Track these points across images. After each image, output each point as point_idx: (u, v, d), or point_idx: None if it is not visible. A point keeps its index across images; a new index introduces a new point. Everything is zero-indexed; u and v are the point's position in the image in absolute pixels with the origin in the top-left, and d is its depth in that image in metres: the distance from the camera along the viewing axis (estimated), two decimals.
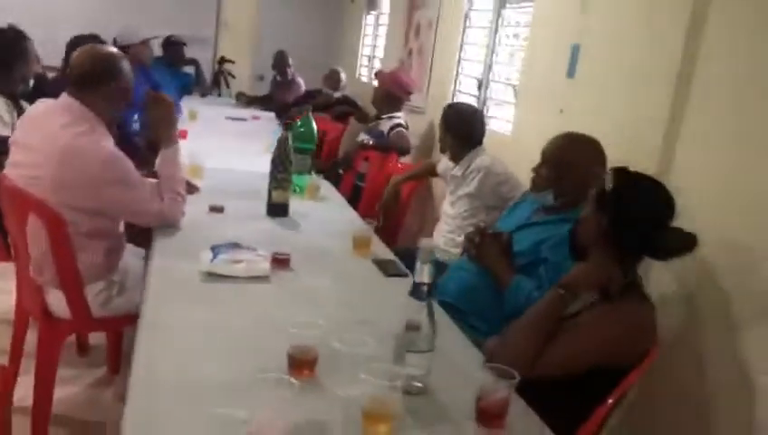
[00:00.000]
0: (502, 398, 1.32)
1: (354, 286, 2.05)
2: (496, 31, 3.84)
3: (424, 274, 1.38)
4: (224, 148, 3.94)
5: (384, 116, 4.31)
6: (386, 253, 2.38)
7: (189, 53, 6.60)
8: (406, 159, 4.22)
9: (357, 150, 4.08)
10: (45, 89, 3.14)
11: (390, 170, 3.69)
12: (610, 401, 1.63)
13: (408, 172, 3.45)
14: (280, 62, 6.39)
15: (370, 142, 4.08)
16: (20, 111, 2.99)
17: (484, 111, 3.93)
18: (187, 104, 5.55)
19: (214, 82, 7.10)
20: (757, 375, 1.85)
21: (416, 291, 1.39)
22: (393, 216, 3.43)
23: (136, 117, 4.89)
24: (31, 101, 2.59)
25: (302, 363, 1.39)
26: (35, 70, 3.28)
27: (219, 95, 7.01)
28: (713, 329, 2.03)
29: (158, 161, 2.33)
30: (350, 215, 2.91)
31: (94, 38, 3.47)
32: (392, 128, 4.18)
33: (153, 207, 2.21)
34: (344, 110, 5.51)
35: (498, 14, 3.83)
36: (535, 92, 3.30)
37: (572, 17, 2.94)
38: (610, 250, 1.69)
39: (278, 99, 6.35)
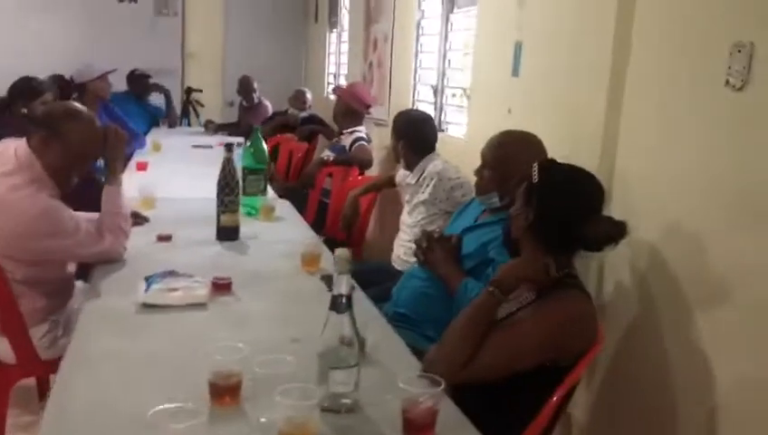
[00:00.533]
0: (428, 407, 1.28)
1: (294, 305, 2.00)
2: (446, 37, 3.83)
3: (342, 285, 1.34)
4: (188, 176, 3.89)
5: (345, 131, 4.29)
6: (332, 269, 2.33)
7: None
8: (372, 173, 4.20)
9: (319, 167, 4.05)
10: None
11: (352, 185, 3.66)
12: (555, 398, 1.59)
13: (365, 184, 3.41)
14: (245, 86, 6.38)
15: (331, 158, 4.05)
16: None
17: (442, 117, 3.92)
18: (155, 136, 5.52)
19: (183, 113, 7.08)
20: (709, 358, 1.81)
21: (334, 304, 1.34)
22: (355, 230, 3.39)
23: None
24: None
25: (222, 390, 1.34)
26: None
27: (189, 125, 6.99)
28: (667, 315, 2.00)
29: (102, 198, 2.29)
30: (306, 233, 2.86)
31: (30, 80, 3.42)
32: (354, 142, 4.16)
33: (92, 249, 2.16)
34: (312, 129, 5.49)
35: (447, 20, 3.82)
36: (485, 94, 3.28)
37: (512, 14, 2.92)
38: (539, 244, 1.66)
39: (246, 123, 6.32)
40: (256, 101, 6.37)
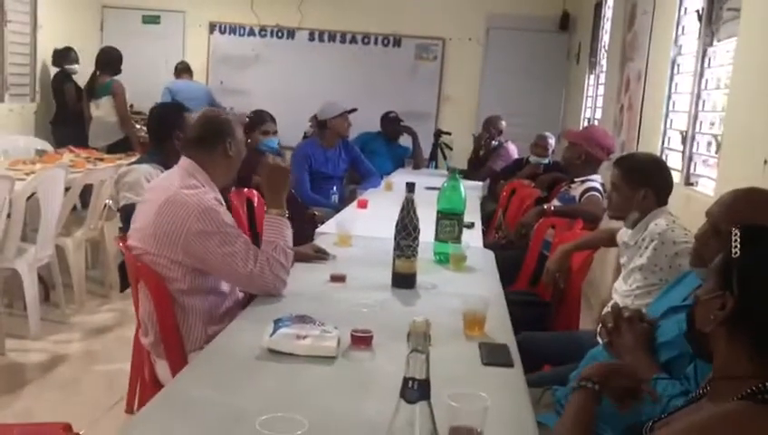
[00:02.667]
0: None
1: (436, 375, 1.69)
2: (701, 74, 3.23)
3: (416, 366, 1.04)
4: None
5: (578, 179, 3.85)
6: (505, 336, 1.98)
7: (411, 127, 6.73)
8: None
9: (538, 217, 3.66)
10: None
11: (572, 238, 3.21)
12: None
13: (580, 239, 2.94)
14: (487, 126, 6.17)
15: (552, 208, 3.64)
16: None
17: (691, 169, 3.30)
18: (396, 177, 5.55)
19: (431, 155, 7.12)
20: None
21: (404, 390, 1.04)
22: (561, 292, 2.95)
23: (335, 189, 5.03)
24: None
25: None
26: None
27: (436, 167, 6.99)
28: None
29: (264, 225, 2.25)
30: (494, 290, 2.52)
31: (180, 107, 3.57)
32: (585, 192, 3.71)
33: (245, 267, 2.10)
34: (555, 177, 5.08)
35: (703, 54, 3.22)
36: (738, 142, 2.66)
37: None
38: (740, 343, 1.17)
39: (485, 165, 6.11)
40: (497, 143, 6.11)
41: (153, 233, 2.09)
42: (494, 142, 6.11)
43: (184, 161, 2.25)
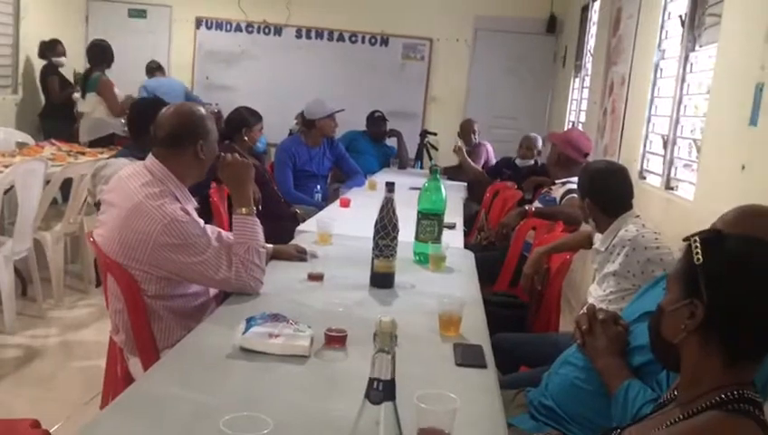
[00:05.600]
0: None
1: (408, 376, 1.68)
2: (683, 79, 3.25)
3: (381, 366, 1.03)
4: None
5: (558, 181, 3.87)
6: (480, 337, 1.97)
7: (397, 127, 6.73)
8: None
9: (519, 219, 3.66)
10: None
11: (550, 241, 3.21)
12: None
13: (556, 242, 2.95)
14: (464, 129, 6.22)
15: (533, 210, 3.65)
16: None
17: (672, 174, 3.32)
18: (381, 176, 5.54)
19: (417, 155, 7.12)
20: None
21: (369, 390, 1.03)
22: (540, 293, 2.95)
23: (318, 187, 5.01)
24: None
25: None
26: None
27: (421, 167, 6.99)
28: None
29: (233, 225, 2.22)
30: (472, 291, 2.52)
31: (158, 101, 3.53)
32: (565, 194, 3.72)
33: (218, 274, 2.06)
34: (540, 181, 5.08)
35: (686, 59, 3.24)
36: (716, 147, 2.67)
37: (756, 49, 2.33)
38: (715, 352, 1.17)
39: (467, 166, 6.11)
40: (475, 141, 6.15)
41: (119, 242, 2.03)
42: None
43: (151, 162, 2.15)
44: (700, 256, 1.18)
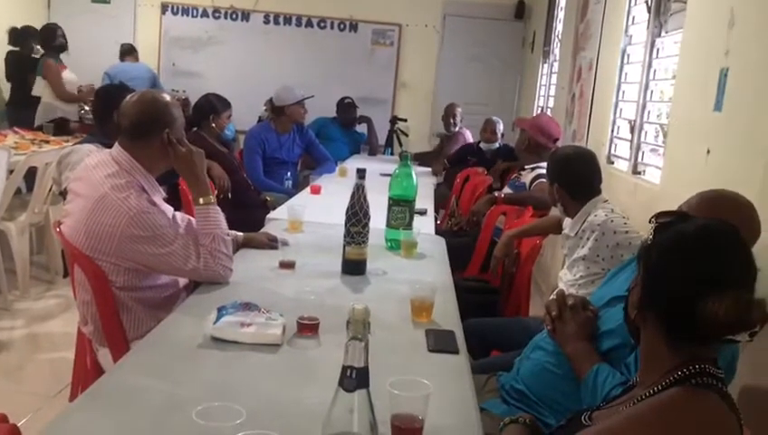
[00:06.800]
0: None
1: (382, 363, 1.69)
2: (650, 65, 3.29)
3: (354, 354, 1.03)
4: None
5: (527, 166, 3.89)
6: (452, 323, 1.98)
7: (367, 113, 6.71)
8: None
9: (489, 205, 3.68)
10: None
11: (519, 226, 3.24)
12: None
13: (526, 225, 2.97)
14: (446, 114, 6.19)
15: (502, 196, 3.67)
16: None
17: (639, 158, 3.36)
18: (352, 162, 5.53)
19: (387, 142, 7.11)
20: None
21: (342, 378, 1.03)
22: (510, 278, 2.98)
23: (289, 174, 4.98)
24: None
25: None
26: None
27: (392, 153, 6.99)
28: None
29: (196, 217, 2.19)
30: (443, 277, 2.53)
31: (123, 88, 3.47)
32: (534, 179, 3.75)
33: (187, 264, 2.04)
34: (510, 166, 5.10)
35: (652, 45, 3.28)
36: (682, 132, 2.72)
37: (720, 35, 2.37)
38: (655, 328, 1.19)
39: (444, 153, 6.13)
40: (456, 129, 6.14)
41: (85, 234, 2.00)
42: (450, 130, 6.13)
43: (117, 152, 2.10)
44: (651, 237, 1.21)
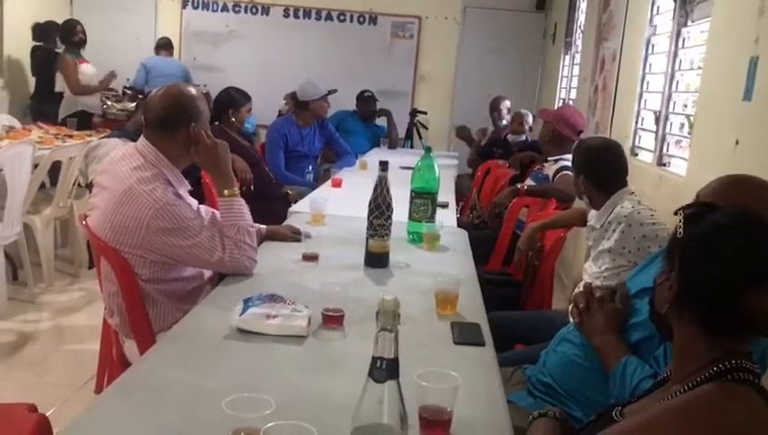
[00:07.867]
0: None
1: (408, 354, 1.68)
2: (675, 55, 3.24)
3: (384, 345, 1.02)
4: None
5: (551, 158, 3.86)
6: (477, 315, 1.97)
7: (386, 106, 6.68)
8: None
9: (511, 198, 3.66)
10: None
11: (543, 218, 3.21)
12: None
13: (550, 218, 2.95)
14: (490, 108, 6.05)
15: (525, 188, 3.64)
16: None
17: (664, 150, 3.32)
18: (372, 156, 5.51)
19: (407, 134, 7.09)
20: None
21: (372, 369, 1.02)
22: (534, 271, 2.95)
23: (310, 168, 4.99)
24: None
25: None
26: None
27: (411, 146, 6.97)
28: None
29: (219, 209, 2.20)
30: (467, 269, 2.51)
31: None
32: (558, 171, 3.72)
33: (213, 256, 2.05)
34: (531, 156, 5.06)
35: (677, 35, 3.22)
36: (710, 123, 2.67)
37: (750, 23, 2.32)
38: (691, 323, 1.17)
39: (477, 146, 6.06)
40: (504, 123, 5.91)
41: (111, 226, 2.01)
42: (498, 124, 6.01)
43: (143, 145, 2.12)
44: (681, 230, 1.19)
